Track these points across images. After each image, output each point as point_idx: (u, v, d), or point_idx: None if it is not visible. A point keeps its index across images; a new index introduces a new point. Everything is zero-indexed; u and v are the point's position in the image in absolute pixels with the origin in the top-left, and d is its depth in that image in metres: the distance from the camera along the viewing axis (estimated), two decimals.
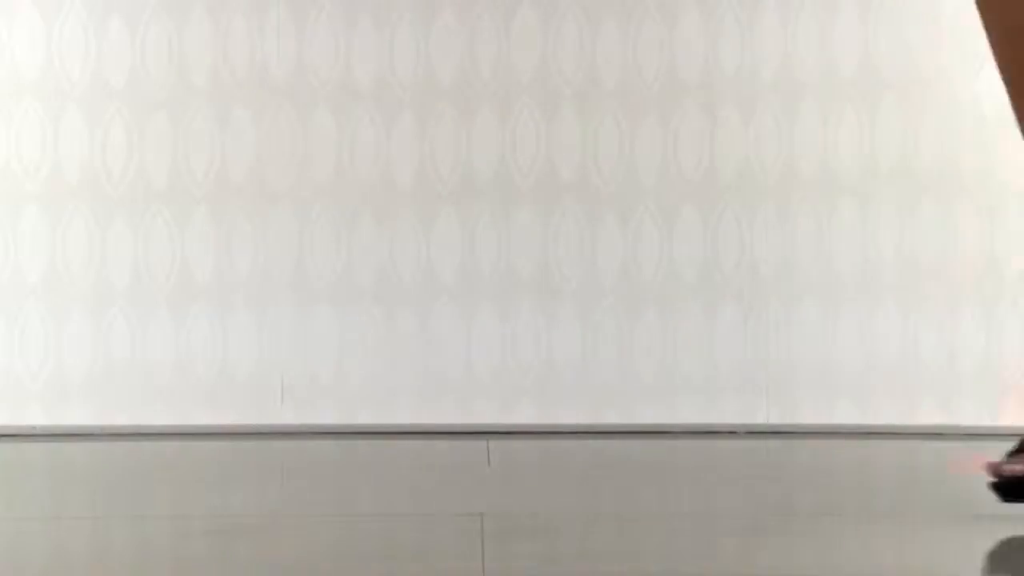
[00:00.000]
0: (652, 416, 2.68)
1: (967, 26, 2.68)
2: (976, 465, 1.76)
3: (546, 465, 2.29)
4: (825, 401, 2.67)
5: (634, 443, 2.55)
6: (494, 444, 2.29)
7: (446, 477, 2.07)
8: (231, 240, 2.66)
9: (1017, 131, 2.69)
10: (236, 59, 2.67)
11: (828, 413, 2.67)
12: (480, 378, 2.62)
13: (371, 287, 2.60)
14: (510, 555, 1.58)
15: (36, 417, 2.63)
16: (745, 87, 2.69)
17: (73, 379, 2.64)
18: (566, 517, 1.74)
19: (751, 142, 2.69)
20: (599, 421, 2.66)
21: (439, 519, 1.73)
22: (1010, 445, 2.55)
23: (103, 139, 2.65)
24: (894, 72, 2.69)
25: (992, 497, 1.76)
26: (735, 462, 2.35)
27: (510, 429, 2.51)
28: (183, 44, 2.66)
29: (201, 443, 2.54)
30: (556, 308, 2.68)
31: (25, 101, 2.65)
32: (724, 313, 2.67)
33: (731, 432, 2.63)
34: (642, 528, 1.73)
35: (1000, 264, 2.68)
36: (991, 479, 1.75)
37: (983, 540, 1.70)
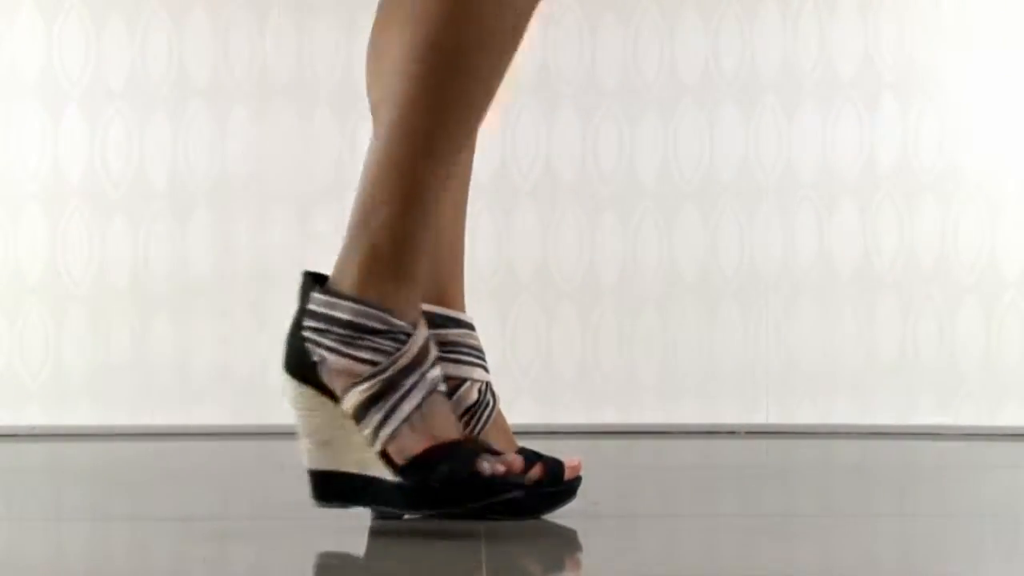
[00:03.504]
0: (652, 416, 2.68)
1: (967, 26, 2.69)
2: None
3: None
4: (825, 401, 2.67)
5: (634, 443, 2.55)
6: None
7: None
8: (231, 240, 2.66)
9: (1018, 131, 2.70)
10: (236, 59, 2.67)
11: (828, 413, 2.67)
12: None
13: None
14: (510, 556, 1.58)
15: (36, 417, 2.63)
16: (745, 87, 2.69)
17: (73, 379, 2.64)
18: (565, 516, 1.74)
19: (751, 142, 2.69)
20: (599, 421, 2.66)
21: (438, 518, 1.73)
22: (1012, 445, 2.56)
23: (103, 139, 2.65)
24: (894, 72, 2.69)
25: None
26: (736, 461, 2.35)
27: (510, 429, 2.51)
28: (183, 44, 2.66)
29: (201, 443, 2.54)
30: (556, 308, 2.69)
31: (25, 101, 2.65)
32: (724, 313, 2.67)
33: (731, 432, 2.63)
34: (643, 528, 1.73)
35: (1000, 264, 2.68)
36: None
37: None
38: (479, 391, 1.74)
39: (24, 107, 2.65)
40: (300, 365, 1.66)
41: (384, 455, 1.61)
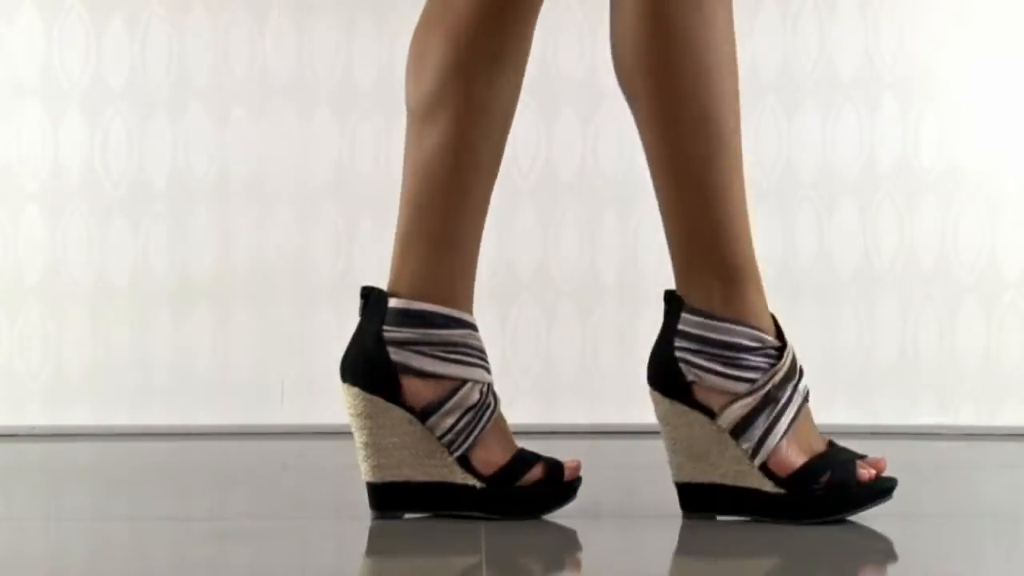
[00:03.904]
0: (652, 416, 2.68)
1: (967, 26, 2.69)
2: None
3: None
4: (825, 401, 2.67)
5: (634, 443, 2.55)
6: None
7: None
8: (231, 240, 2.66)
9: (1018, 131, 2.70)
10: (236, 59, 2.67)
11: (828, 413, 2.67)
12: None
13: None
14: (510, 556, 1.58)
15: (36, 417, 2.63)
16: (746, 87, 2.69)
17: (73, 379, 2.64)
18: (565, 516, 1.74)
19: (751, 142, 2.69)
20: (599, 421, 2.66)
21: (439, 518, 1.74)
22: (1012, 445, 2.56)
23: (103, 139, 2.65)
24: (894, 72, 2.69)
25: None
26: None
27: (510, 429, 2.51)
28: (183, 44, 2.66)
29: (201, 443, 2.54)
30: (556, 308, 2.69)
31: (25, 101, 2.65)
32: None
33: None
34: (643, 528, 1.73)
35: (1000, 264, 2.68)
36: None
37: None
38: (480, 392, 1.74)
39: (24, 107, 2.65)
40: (671, 383, 1.73)
41: (764, 468, 1.68)
